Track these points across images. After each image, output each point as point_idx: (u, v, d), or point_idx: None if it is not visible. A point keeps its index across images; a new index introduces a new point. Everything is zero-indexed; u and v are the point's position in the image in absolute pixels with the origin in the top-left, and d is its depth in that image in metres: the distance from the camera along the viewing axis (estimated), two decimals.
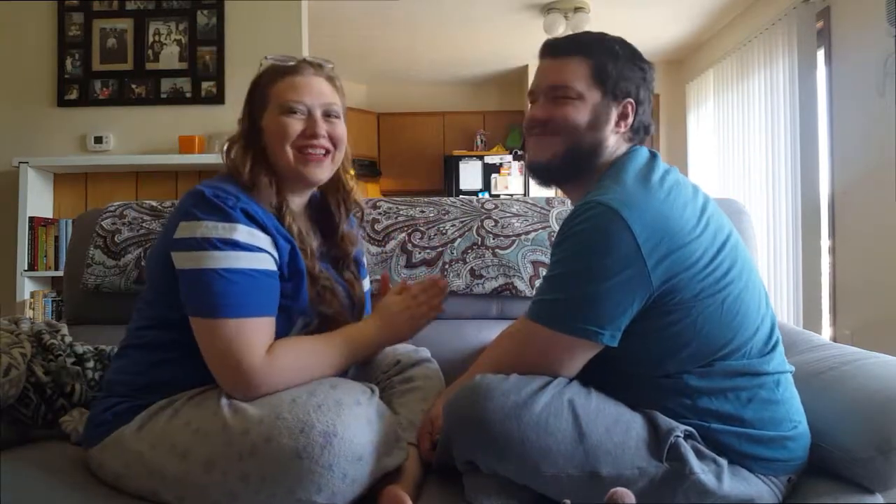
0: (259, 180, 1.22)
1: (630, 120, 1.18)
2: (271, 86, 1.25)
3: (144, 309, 1.24)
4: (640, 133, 1.20)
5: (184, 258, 1.12)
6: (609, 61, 1.16)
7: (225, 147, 1.26)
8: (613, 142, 1.18)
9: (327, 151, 1.25)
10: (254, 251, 1.13)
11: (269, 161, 1.25)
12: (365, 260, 1.52)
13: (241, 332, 1.09)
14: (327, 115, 1.26)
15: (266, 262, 1.15)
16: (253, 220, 1.15)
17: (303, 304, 1.22)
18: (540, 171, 1.23)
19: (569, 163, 1.18)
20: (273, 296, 1.16)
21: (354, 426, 1.03)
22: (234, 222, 1.12)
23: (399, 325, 1.29)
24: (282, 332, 1.18)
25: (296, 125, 1.22)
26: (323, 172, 1.26)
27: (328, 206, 1.37)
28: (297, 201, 1.31)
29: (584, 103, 1.16)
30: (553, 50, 1.21)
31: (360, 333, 1.25)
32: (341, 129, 1.27)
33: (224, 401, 1.09)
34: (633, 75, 1.17)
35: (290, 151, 1.22)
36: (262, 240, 1.15)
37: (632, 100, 1.17)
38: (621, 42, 1.20)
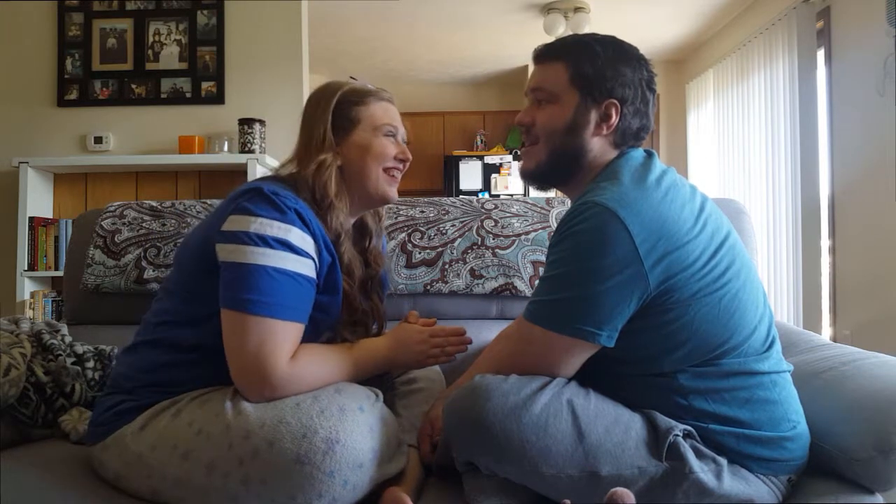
0: (336, 203, 1.23)
1: (614, 120, 1.16)
2: (360, 107, 1.28)
3: (168, 299, 1.22)
4: (630, 133, 1.18)
5: (231, 251, 1.11)
6: (586, 63, 1.16)
7: (316, 167, 1.23)
8: (598, 143, 1.17)
9: (401, 174, 1.32)
10: (303, 256, 1.13)
11: (345, 180, 1.26)
12: (388, 279, 1.52)
13: (274, 332, 1.08)
14: (404, 140, 1.33)
15: (311, 269, 1.15)
16: (305, 225, 1.15)
17: (332, 319, 1.23)
18: (530, 179, 1.25)
19: (554, 167, 1.20)
20: (309, 304, 1.16)
21: (357, 433, 1.03)
22: (291, 224, 1.12)
23: (407, 355, 1.28)
24: (306, 341, 1.17)
25: (393, 147, 1.29)
26: (396, 192, 1.32)
27: (366, 226, 1.39)
28: (350, 224, 1.31)
29: (562, 106, 1.17)
30: (536, 56, 1.23)
31: (372, 352, 1.25)
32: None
33: (227, 403, 1.08)
34: (615, 74, 1.15)
35: (380, 171, 1.27)
36: (311, 246, 1.15)
37: (615, 100, 1.15)
38: (605, 42, 1.18)
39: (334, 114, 1.27)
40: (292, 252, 1.11)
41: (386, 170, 1.28)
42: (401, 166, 1.31)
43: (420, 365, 1.31)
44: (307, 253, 1.14)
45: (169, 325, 1.19)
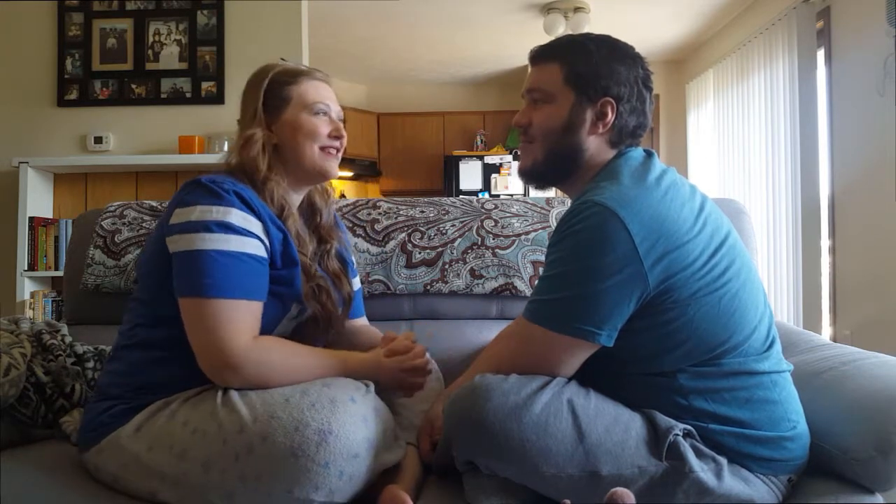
0: (271, 176, 1.26)
1: (610, 118, 1.16)
2: (291, 86, 1.30)
3: (137, 307, 1.25)
4: (627, 131, 1.18)
5: (177, 241, 1.14)
6: (581, 62, 1.16)
7: (241, 143, 1.27)
8: (595, 142, 1.18)
9: (340, 150, 1.33)
10: (246, 235, 1.16)
11: (281, 158, 1.29)
12: (353, 259, 1.53)
13: (226, 311, 1.11)
14: (339, 118, 1.34)
15: (257, 247, 1.17)
16: (246, 205, 1.18)
17: (297, 291, 1.25)
18: (526, 177, 1.26)
19: (550, 166, 1.20)
20: (261, 281, 1.17)
21: (349, 423, 1.03)
22: (230, 206, 1.16)
23: (383, 380, 1.24)
24: (277, 316, 1.21)
25: (324, 125, 1.31)
26: (337, 168, 1.34)
27: (313, 204, 1.41)
28: (296, 201, 1.34)
29: (558, 106, 1.17)
30: (531, 58, 1.24)
31: (353, 363, 1.22)
32: (346, 135, 1.35)
33: (220, 400, 1.09)
34: (610, 73, 1.16)
35: (315, 149, 1.29)
36: (255, 225, 1.18)
37: (610, 98, 1.16)
38: (599, 41, 1.19)
39: (267, 94, 1.30)
40: (234, 233, 1.14)
41: (322, 148, 1.30)
42: (336, 144, 1.32)
43: (399, 390, 1.29)
44: (250, 232, 1.17)
45: (142, 328, 1.22)
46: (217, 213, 1.14)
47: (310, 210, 1.41)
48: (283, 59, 1.36)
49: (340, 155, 1.34)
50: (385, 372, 1.25)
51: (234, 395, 1.10)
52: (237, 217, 1.16)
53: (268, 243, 1.20)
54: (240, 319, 1.12)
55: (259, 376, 1.11)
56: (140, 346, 1.21)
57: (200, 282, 1.11)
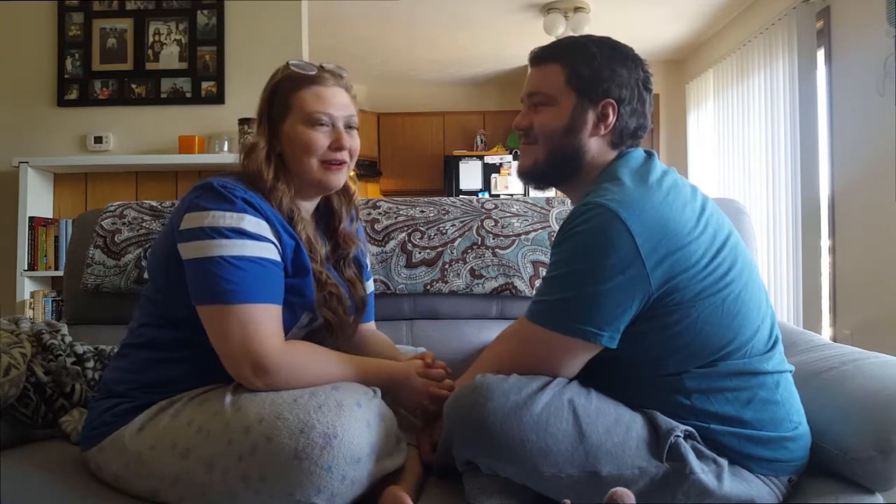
0: (278, 185, 1.23)
1: (611, 120, 1.16)
2: (294, 94, 1.25)
3: (147, 307, 1.25)
4: (627, 132, 1.18)
5: (191, 248, 1.13)
6: (582, 64, 1.16)
7: (245, 151, 1.26)
8: (596, 144, 1.18)
9: (345, 161, 1.28)
10: (261, 240, 1.15)
11: (286, 167, 1.26)
12: (369, 262, 1.52)
13: (253, 315, 1.10)
14: (348, 126, 1.28)
15: (272, 252, 1.16)
16: (257, 211, 1.17)
17: (308, 300, 1.23)
18: (525, 177, 1.25)
19: (551, 167, 1.20)
20: (279, 285, 1.17)
21: (354, 428, 1.03)
22: (242, 212, 1.14)
23: (405, 395, 1.25)
24: (286, 325, 1.19)
25: (322, 139, 1.24)
26: (342, 179, 1.29)
27: (331, 207, 1.38)
28: (307, 206, 1.32)
29: (559, 108, 1.17)
30: (532, 59, 1.23)
31: (377, 372, 1.23)
32: (357, 141, 1.30)
33: (227, 399, 1.09)
34: (612, 75, 1.16)
35: (314, 162, 1.24)
36: (267, 230, 1.17)
37: (612, 100, 1.16)
38: (601, 43, 1.19)
39: (272, 100, 1.27)
40: (249, 238, 1.13)
41: (322, 160, 1.24)
42: (338, 156, 1.25)
43: (408, 410, 1.28)
44: (264, 237, 1.16)
45: (151, 327, 1.22)
46: (231, 218, 1.13)
47: (328, 213, 1.38)
48: (289, 61, 1.30)
49: (348, 165, 1.28)
50: (410, 388, 1.24)
51: (245, 393, 1.10)
52: (250, 223, 1.14)
53: (280, 249, 1.19)
54: (267, 323, 1.11)
55: (289, 381, 1.10)
56: (147, 345, 1.21)
57: (221, 288, 1.09)
